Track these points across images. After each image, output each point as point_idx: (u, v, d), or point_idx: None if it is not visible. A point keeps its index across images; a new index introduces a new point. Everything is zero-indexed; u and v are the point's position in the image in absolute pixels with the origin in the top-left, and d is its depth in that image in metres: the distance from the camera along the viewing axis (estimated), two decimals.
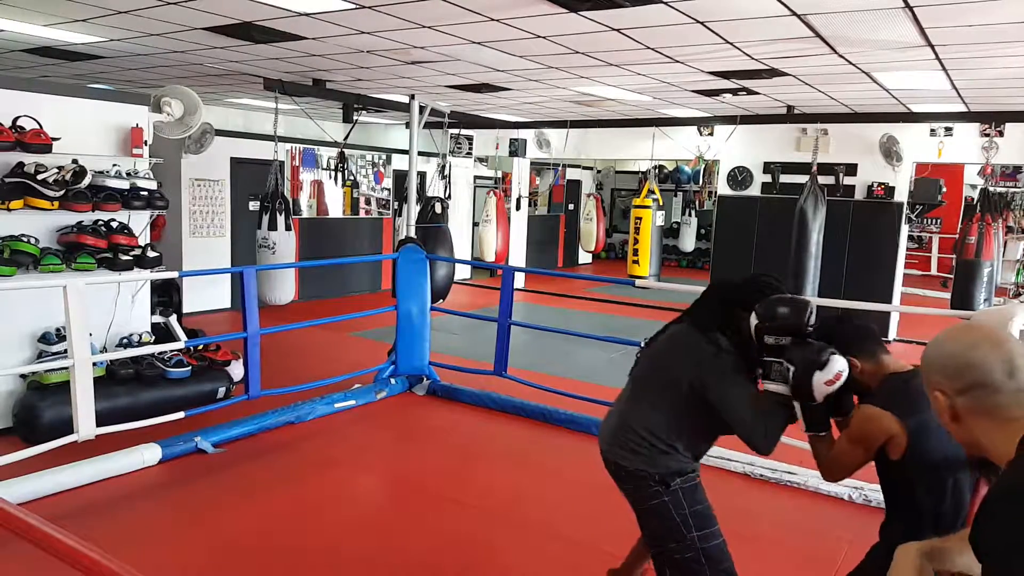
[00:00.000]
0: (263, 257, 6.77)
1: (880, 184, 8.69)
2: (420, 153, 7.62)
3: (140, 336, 5.24)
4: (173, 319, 5.43)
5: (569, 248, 15.81)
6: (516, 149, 11.25)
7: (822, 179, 8.24)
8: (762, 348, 2.27)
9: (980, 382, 1.22)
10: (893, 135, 8.37)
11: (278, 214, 6.74)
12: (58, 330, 4.74)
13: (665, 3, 4.10)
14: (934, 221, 14.52)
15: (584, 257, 16.19)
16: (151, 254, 5.10)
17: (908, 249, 10.53)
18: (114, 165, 5.02)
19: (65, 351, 4.31)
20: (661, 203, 9.56)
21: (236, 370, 5.49)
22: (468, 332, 8.34)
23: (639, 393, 2.60)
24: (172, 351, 5.13)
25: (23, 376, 4.78)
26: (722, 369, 2.37)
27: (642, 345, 2.82)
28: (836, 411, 2.24)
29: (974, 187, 13.28)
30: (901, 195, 8.66)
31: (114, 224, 5.00)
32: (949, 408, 1.26)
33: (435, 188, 9.08)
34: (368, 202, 11.39)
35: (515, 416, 5.65)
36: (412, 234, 6.53)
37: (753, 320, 2.29)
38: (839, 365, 2.09)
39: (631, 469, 2.50)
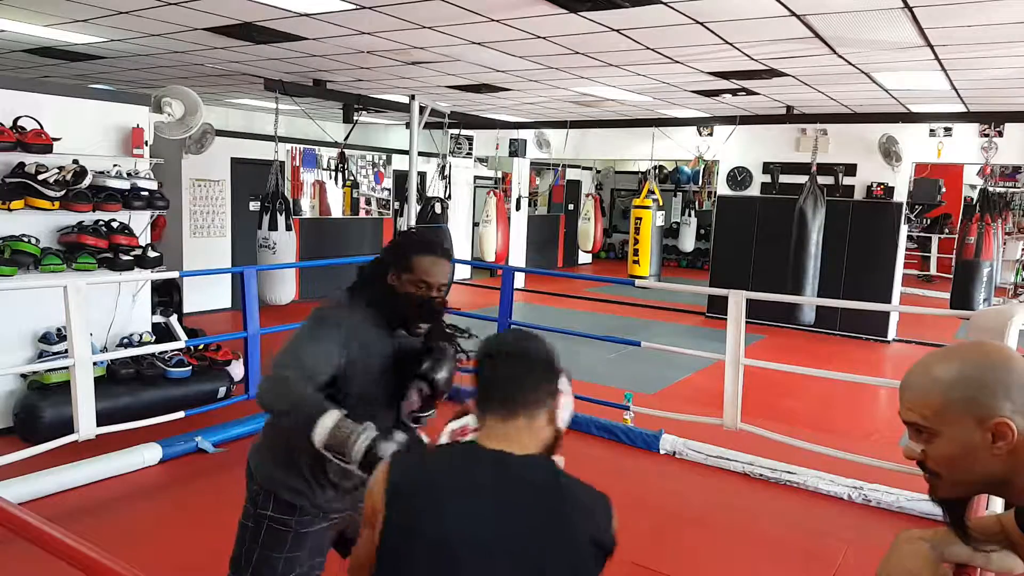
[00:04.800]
0: (263, 257, 6.77)
1: (879, 184, 8.70)
2: (420, 153, 7.63)
3: (141, 336, 5.25)
4: (174, 319, 5.44)
5: (569, 248, 15.81)
6: (516, 149, 11.26)
7: (821, 179, 8.24)
8: None
9: None
10: (892, 135, 8.38)
11: (278, 214, 6.75)
12: (59, 330, 4.74)
13: (665, 4, 4.10)
14: (935, 221, 14.48)
15: (584, 257, 16.19)
16: (152, 254, 5.11)
17: (908, 249, 10.54)
18: (115, 165, 5.02)
19: (66, 351, 4.31)
20: (661, 203, 9.57)
21: (236, 370, 5.50)
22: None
23: None
24: (173, 351, 5.13)
25: (24, 376, 4.79)
26: (319, 318, 1.99)
27: None
28: None
29: (973, 187, 13.28)
30: (900, 195, 8.67)
31: (115, 224, 5.00)
32: (1016, 436, 1.09)
33: (435, 188, 9.10)
34: (368, 202, 11.40)
35: None
36: None
37: None
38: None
39: (251, 471, 2.09)
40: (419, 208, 7.15)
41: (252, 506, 2.04)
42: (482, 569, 1.32)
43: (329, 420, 1.68)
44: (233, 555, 2.08)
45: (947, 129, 8.23)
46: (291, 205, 7.07)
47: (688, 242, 13.91)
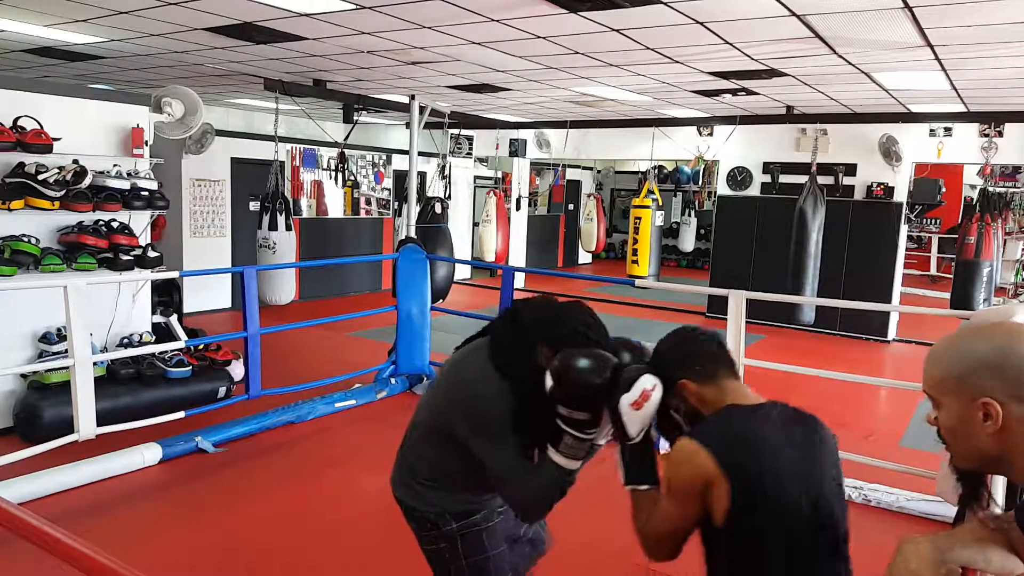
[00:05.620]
0: (263, 257, 6.77)
1: (879, 184, 8.70)
2: (420, 153, 7.61)
3: (141, 336, 5.25)
4: (174, 319, 5.44)
5: (569, 248, 15.82)
6: (516, 149, 11.26)
7: (821, 179, 8.24)
8: (556, 413, 1.87)
9: None
10: (892, 135, 8.38)
11: (278, 214, 6.75)
12: (59, 330, 4.74)
13: (665, 3, 4.10)
14: (933, 221, 14.52)
15: (584, 257, 16.20)
16: (152, 254, 5.11)
17: (908, 249, 10.53)
18: (115, 165, 5.02)
19: (66, 351, 4.31)
20: (661, 203, 9.56)
21: (236, 370, 5.50)
22: (468, 332, 8.33)
23: (416, 416, 2.29)
24: (173, 351, 5.14)
25: (24, 376, 4.79)
26: (492, 424, 1.98)
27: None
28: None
29: (973, 187, 13.29)
30: (900, 195, 8.67)
31: (115, 224, 5.00)
32: (1000, 418, 1.13)
33: (435, 188, 9.09)
34: (368, 202, 11.40)
35: None
36: (412, 234, 6.53)
37: (548, 381, 1.84)
38: (646, 383, 1.69)
39: (410, 506, 2.24)
40: (419, 208, 7.13)
41: (434, 531, 2.18)
42: (816, 492, 1.59)
43: (560, 458, 1.90)
44: None
45: (947, 129, 8.23)
46: (291, 205, 7.07)
47: (688, 242, 13.91)
